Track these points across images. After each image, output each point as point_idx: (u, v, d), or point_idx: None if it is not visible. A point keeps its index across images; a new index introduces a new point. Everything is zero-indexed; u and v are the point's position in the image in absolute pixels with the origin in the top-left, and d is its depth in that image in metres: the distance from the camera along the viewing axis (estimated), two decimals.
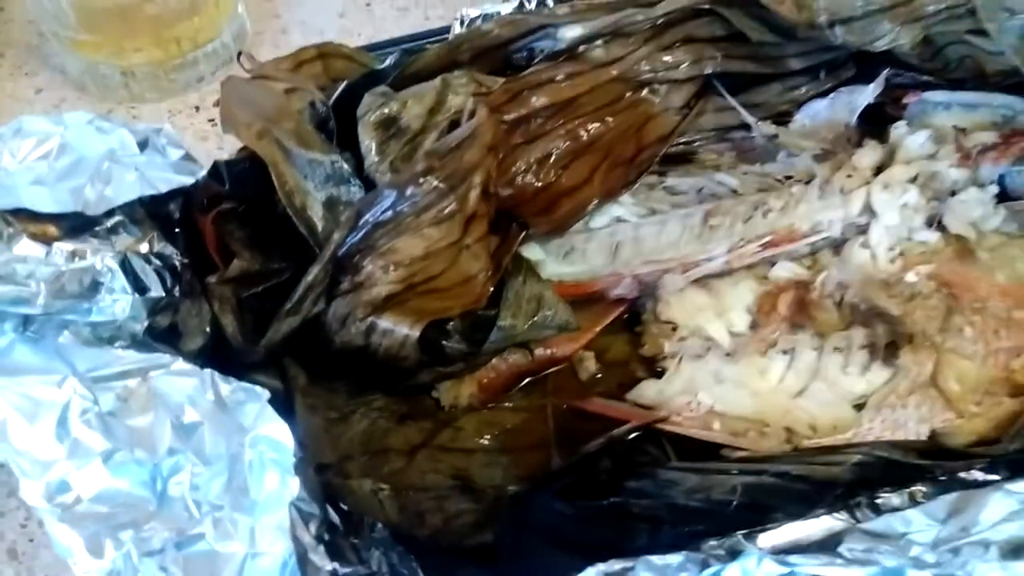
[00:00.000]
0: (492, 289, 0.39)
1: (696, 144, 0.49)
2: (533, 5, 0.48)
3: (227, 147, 0.55)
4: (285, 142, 0.35)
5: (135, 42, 0.55)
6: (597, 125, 0.44)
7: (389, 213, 0.33)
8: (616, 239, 0.46)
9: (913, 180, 0.43)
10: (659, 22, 0.43)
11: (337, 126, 0.38)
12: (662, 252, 0.43)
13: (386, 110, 0.37)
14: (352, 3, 0.64)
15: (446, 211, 0.34)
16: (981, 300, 0.39)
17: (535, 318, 0.39)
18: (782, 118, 0.50)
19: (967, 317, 0.39)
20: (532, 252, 0.44)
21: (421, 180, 0.33)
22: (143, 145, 0.37)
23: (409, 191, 0.33)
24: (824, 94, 0.49)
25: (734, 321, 0.42)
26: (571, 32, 0.41)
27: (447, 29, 0.52)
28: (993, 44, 0.45)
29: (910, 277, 0.40)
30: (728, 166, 0.49)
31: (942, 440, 0.38)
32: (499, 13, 0.47)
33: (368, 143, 0.36)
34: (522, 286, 0.40)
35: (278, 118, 0.36)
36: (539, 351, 0.42)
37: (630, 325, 0.44)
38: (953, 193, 0.43)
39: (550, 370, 0.43)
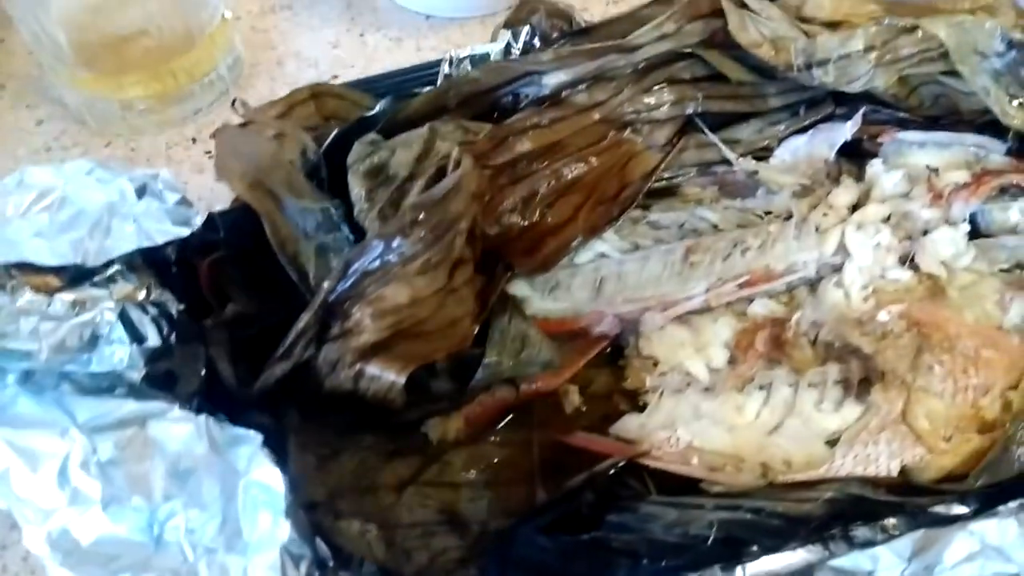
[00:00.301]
0: (478, 328, 0.40)
1: (679, 179, 0.51)
2: (520, 45, 0.49)
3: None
4: (277, 192, 0.36)
5: (132, 77, 0.56)
6: (581, 165, 0.45)
7: (377, 263, 0.35)
8: (600, 274, 0.47)
9: (886, 220, 0.44)
10: (640, 66, 0.44)
11: (329, 172, 0.39)
12: (643, 289, 0.44)
13: (375, 159, 0.38)
14: (346, 34, 0.65)
15: (432, 260, 0.36)
16: (950, 339, 0.40)
17: (520, 356, 0.41)
18: (764, 152, 0.52)
19: (936, 356, 0.40)
20: (519, 288, 0.45)
21: (408, 231, 0.35)
22: (141, 192, 0.38)
23: (396, 242, 0.35)
24: (804, 130, 0.51)
25: (713, 357, 0.43)
26: (554, 79, 0.42)
27: (437, 63, 0.53)
28: (966, 85, 0.46)
29: (882, 316, 0.41)
30: (710, 200, 0.50)
31: (912, 475, 0.39)
32: (488, 55, 0.48)
33: (358, 191, 0.38)
34: (507, 325, 0.41)
35: (270, 167, 0.37)
36: (524, 385, 0.43)
37: (613, 358, 0.46)
38: (926, 232, 0.44)
39: (535, 403, 0.44)
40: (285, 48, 0.64)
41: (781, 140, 0.50)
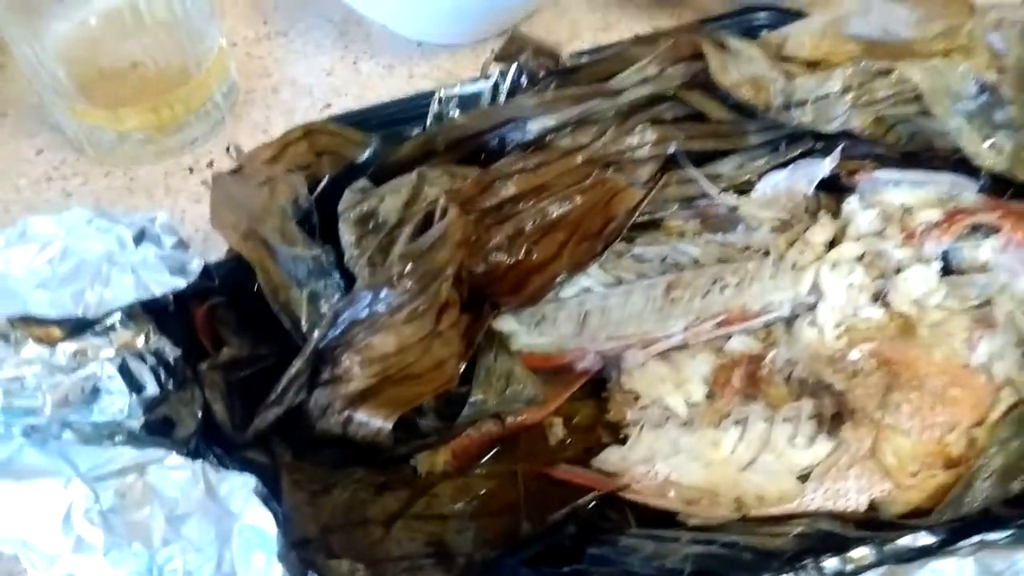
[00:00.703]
0: (464, 366, 0.42)
1: (663, 213, 0.52)
2: (507, 83, 0.50)
3: None
4: (270, 240, 0.38)
5: (129, 109, 0.57)
6: (566, 203, 0.47)
7: (365, 312, 0.36)
8: (584, 308, 0.48)
9: (860, 258, 0.46)
10: (623, 109, 0.46)
11: (320, 218, 0.41)
12: (625, 325, 0.46)
13: (365, 206, 0.40)
14: (340, 61, 0.66)
15: (419, 309, 0.37)
16: (919, 377, 0.42)
17: (505, 393, 0.42)
18: (746, 186, 0.53)
19: (905, 394, 0.42)
20: (506, 323, 0.47)
21: (395, 282, 0.36)
22: (139, 238, 0.40)
23: (384, 293, 0.36)
24: (784, 165, 0.52)
25: (691, 392, 0.44)
26: (539, 124, 0.44)
27: (427, 96, 0.54)
28: (940, 125, 0.48)
29: (853, 355, 0.43)
30: (693, 232, 0.52)
31: (880, 509, 0.41)
32: (476, 94, 0.50)
33: (348, 238, 0.39)
34: (493, 362, 0.43)
35: (263, 216, 0.38)
36: (510, 419, 0.45)
37: (596, 390, 0.47)
38: (898, 270, 0.46)
39: (521, 435, 0.46)
40: (280, 75, 0.66)
41: (762, 175, 0.52)
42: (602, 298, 0.48)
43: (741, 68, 0.48)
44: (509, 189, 0.43)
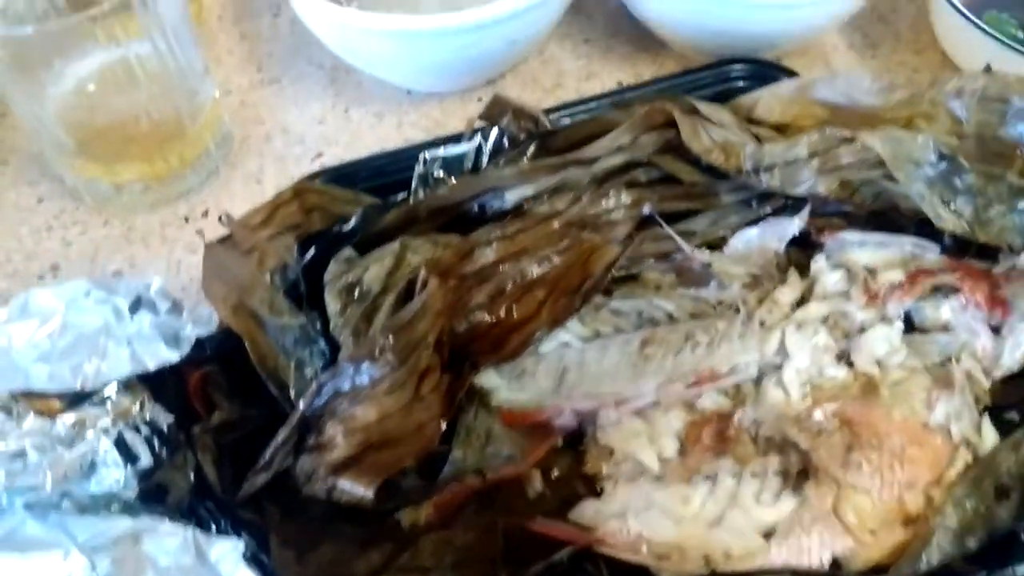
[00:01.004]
0: (445, 425, 0.44)
1: (639, 268, 0.54)
2: (490, 146, 0.52)
3: None
4: (258, 311, 0.40)
5: (127, 163, 0.60)
6: (544, 263, 0.49)
7: (348, 384, 0.38)
8: (563, 363, 0.50)
9: (825, 320, 0.48)
10: (598, 176, 0.48)
11: (307, 286, 0.43)
12: (601, 382, 0.48)
13: (350, 276, 0.42)
14: (331, 110, 0.68)
15: (400, 379, 0.39)
16: (879, 437, 0.44)
17: (485, 451, 0.44)
18: (720, 242, 0.55)
19: (865, 453, 0.44)
20: (487, 378, 0.49)
21: (376, 356, 0.38)
22: (135, 306, 0.42)
23: (366, 366, 0.38)
24: (756, 221, 0.54)
25: (664, 447, 0.46)
26: (517, 193, 0.46)
27: (414, 151, 0.56)
28: (903, 189, 0.50)
29: (817, 415, 0.45)
30: (669, 286, 0.54)
31: (842, 566, 0.43)
32: (459, 157, 0.52)
33: (333, 307, 0.41)
34: (473, 421, 0.45)
35: (252, 286, 0.41)
36: (490, 473, 0.47)
37: (574, 442, 0.49)
38: (862, 330, 0.48)
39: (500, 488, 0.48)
40: (273, 123, 0.68)
41: (734, 231, 0.54)
42: (580, 353, 0.50)
43: (712, 133, 0.50)
44: (488, 255, 0.45)
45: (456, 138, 0.55)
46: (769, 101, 0.52)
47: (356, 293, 0.41)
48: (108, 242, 0.61)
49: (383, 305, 0.41)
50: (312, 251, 0.44)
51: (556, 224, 0.47)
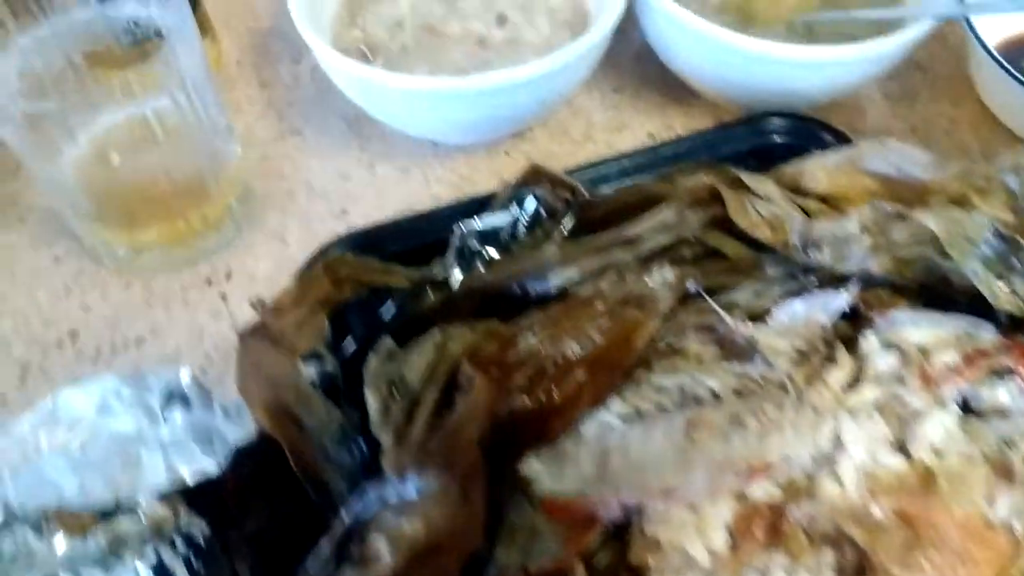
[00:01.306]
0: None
1: (681, 340, 0.52)
2: (527, 218, 0.51)
3: (239, 325, 0.58)
4: (297, 413, 0.38)
5: (147, 226, 0.58)
6: (586, 343, 0.47)
7: (394, 495, 0.37)
8: (605, 445, 0.49)
9: (880, 406, 0.46)
10: (643, 255, 0.46)
11: (344, 374, 0.41)
12: (647, 470, 0.46)
13: (390, 371, 0.40)
14: (356, 164, 0.67)
15: (447, 488, 0.37)
16: (940, 535, 0.42)
17: (529, 548, 0.43)
18: (763, 312, 0.53)
19: (925, 551, 0.42)
20: (527, 465, 0.47)
21: (421, 466, 0.37)
22: (167, 401, 0.40)
23: (411, 477, 0.37)
24: (800, 292, 0.53)
25: (713, 539, 0.45)
26: (559, 277, 0.44)
27: (449, 210, 0.55)
28: (957, 266, 0.48)
29: (874, 510, 0.43)
30: (711, 359, 0.52)
31: None
32: (496, 231, 0.50)
33: (374, 405, 0.40)
34: (517, 518, 0.43)
35: (287, 384, 0.39)
36: (533, 567, 0.45)
37: (619, 532, 0.48)
38: (917, 416, 0.46)
39: None
40: (296, 178, 0.66)
41: (778, 302, 0.52)
42: (622, 435, 0.48)
43: (758, 206, 0.49)
44: (531, 341, 0.44)
45: (488, 200, 0.54)
46: (815, 171, 0.50)
47: (397, 389, 0.40)
48: (128, 307, 0.59)
49: (425, 401, 0.40)
50: (353, 349, 0.42)
51: (600, 306, 0.45)
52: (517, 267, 0.45)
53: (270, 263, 0.61)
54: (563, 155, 0.67)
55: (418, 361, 0.41)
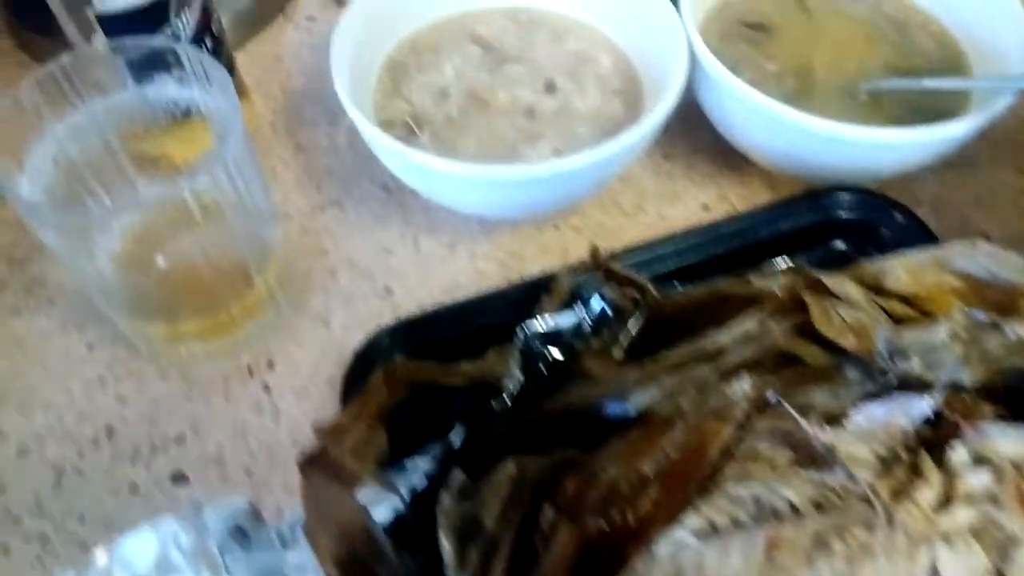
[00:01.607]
0: None
1: (754, 445, 0.50)
2: (592, 319, 0.48)
3: (283, 420, 0.56)
4: (367, 563, 0.36)
5: (185, 319, 0.55)
6: (661, 459, 0.45)
7: None
8: (679, 565, 0.46)
9: (975, 530, 0.43)
10: (725, 368, 0.44)
11: (415, 519, 0.39)
12: None
13: (463, 509, 0.38)
14: (399, 238, 0.64)
15: None
16: None
17: None
18: (840, 414, 0.51)
19: None
20: None
21: None
22: (227, 545, 0.37)
23: None
24: (879, 394, 0.50)
25: None
26: (639, 400, 0.42)
27: (500, 295, 0.53)
28: None
29: None
30: (785, 464, 0.49)
31: None
32: (559, 332, 0.47)
33: (448, 548, 0.37)
34: None
35: (357, 532, 0.36)
36: None
37: None
38: (1016, 543, 0.43)
39: None
40: (337, 254, 0.63)
41: (855, 404, 0.50)
42: (697, 554, 0.46)
43: (841, 311, 0.46)
44: (610, 473, 0.41)
45: (540, 284, 0.51)
46: (898, 270, 0.48)
47: (472, 531, 0.37)
48: (167, 400, 0.56)
49: (502, 543, 0.37)
50: (423, 489, 0.40)
51: (679, 428, 0.43)
52: (594, 391, 0.42)
53: (314, 349, 0.58)
54: (614, 228, 0.64)
55: (493, 499, 0.38)
